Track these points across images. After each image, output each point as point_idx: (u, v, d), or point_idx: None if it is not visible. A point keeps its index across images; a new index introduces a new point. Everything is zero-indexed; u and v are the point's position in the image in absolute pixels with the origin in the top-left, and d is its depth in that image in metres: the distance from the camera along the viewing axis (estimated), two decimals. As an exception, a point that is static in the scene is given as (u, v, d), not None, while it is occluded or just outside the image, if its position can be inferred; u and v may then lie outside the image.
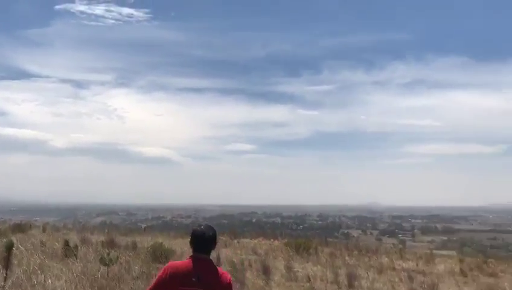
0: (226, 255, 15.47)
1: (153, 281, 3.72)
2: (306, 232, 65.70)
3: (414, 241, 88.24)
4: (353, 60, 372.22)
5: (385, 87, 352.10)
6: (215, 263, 3.81)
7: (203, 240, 3.73)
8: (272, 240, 23.47)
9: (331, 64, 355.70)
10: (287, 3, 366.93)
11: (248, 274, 12.30)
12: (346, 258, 18.24)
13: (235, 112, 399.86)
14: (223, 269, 3.89)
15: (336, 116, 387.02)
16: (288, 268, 13.82)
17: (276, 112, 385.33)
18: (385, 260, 18.28)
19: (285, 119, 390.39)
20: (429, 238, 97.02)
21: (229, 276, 3.77)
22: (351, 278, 12.65)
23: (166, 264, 3.78)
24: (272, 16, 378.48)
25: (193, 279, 3.55)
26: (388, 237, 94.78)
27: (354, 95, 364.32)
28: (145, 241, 16.89)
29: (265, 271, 12.81)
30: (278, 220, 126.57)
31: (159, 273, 3.71)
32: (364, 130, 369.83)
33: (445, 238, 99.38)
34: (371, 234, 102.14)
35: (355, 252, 20.62)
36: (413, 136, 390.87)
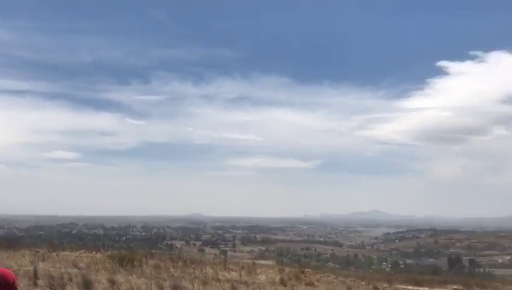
0: (43, 269, 14.40)
1: None
2: (129, 244, 64.42)
3: (235, 252, 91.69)
4: (182, 72, 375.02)
5: (212, 101, 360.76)
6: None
7: None
8: (94, 252, 22.47)
9: (161, 75, 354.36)
10: (116, 9, 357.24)
11: (68, 289, 11.63)
12: (171, 270, 18.15)
13: (58, 118, 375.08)
14: (12, 275, 3.64)
15: (163, 127, 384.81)
16: (111, 282, 13.31)
17: (103, 120, 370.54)
18: (209, 271, 18.56)
19: (111, 128, 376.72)
20: (249, 249, 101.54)
21: (13, 275, 3.53)
22: (177, 290, 12.64)
23: None
24: (100, 21, 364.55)
25: None
26: (210, 247, 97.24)
27: (182, 107, 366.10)
28: None
29: (87, 285, 12.21)
30: (100, 231, 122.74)
31: None
32: (191, 142, 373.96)
33: (263, 248, 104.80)
34: (194, 244, 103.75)
35: (180, 263, 20.62)
36: (237, 150, 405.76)
